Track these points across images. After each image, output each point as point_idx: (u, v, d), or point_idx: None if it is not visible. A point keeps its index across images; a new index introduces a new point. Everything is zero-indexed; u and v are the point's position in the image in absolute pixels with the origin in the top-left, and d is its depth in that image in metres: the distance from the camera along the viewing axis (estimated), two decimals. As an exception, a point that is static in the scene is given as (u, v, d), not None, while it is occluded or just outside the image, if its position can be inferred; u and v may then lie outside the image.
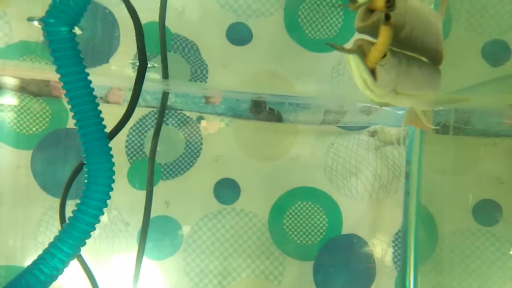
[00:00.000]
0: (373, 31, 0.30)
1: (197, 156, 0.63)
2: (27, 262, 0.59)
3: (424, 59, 0.36)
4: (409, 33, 0.33)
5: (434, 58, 0.36)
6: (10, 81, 0.59)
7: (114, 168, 0.29)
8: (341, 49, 0.31)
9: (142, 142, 0.62)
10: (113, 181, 0.28)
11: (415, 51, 0.35)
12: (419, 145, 0.58)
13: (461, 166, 0.60)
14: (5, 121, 0.59)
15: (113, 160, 0.28)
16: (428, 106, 0.40)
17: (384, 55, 0.31)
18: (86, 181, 0.28)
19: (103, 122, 0.31)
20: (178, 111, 0.63)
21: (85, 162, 0.27)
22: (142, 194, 0.59)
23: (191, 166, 0.63)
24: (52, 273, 0.26)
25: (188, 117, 0.63)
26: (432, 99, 0.36)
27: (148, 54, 0.60)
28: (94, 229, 0.27)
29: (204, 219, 0.62)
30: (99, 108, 0.30)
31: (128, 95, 0.60)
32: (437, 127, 0.53)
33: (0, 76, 0.59)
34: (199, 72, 0.62)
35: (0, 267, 0.59)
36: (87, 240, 0.29)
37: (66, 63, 0.26)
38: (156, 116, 0.62)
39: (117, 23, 0.60)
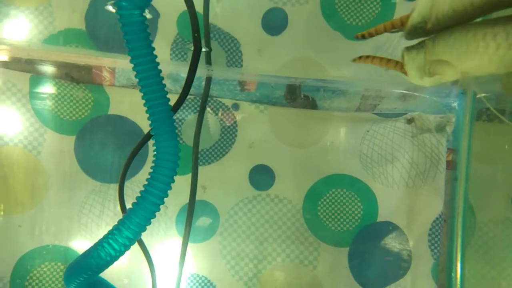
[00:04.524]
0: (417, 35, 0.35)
1: (232, 143, 0.64)
2: (72, 242, 0.62)
3: None
4: (444, 13, 0.33)
5: None
6: (55, 68, 0.62)
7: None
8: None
9: (180, 129, 0.63)
10: (179, 157, 0.29)
11: (480, 14, 0.33)
12: (468, 132, 0.57)
13: (501, 155, 0.59)
14: (50, 108, 0.61)
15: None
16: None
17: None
18: (153, 163, 0.29)
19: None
20: (214, 98, 0.64)
21: (153, 140, 0.29)
22: (180, 178, 0.60)
23: (226, 153, 0.64)
24: (121, 248, 0.28)
25: (223, 104, 0.64)
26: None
27: (186, 40, 0.61)
28: (166, 196, 0.28)
29: (239, 204, 0.63)
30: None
31: (165, 82, 0.62)
32: None
33: (45, 64, 0.61)
34: (234, 60, 0.62)
35: (48, 246, 0.62)
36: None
37: (138, 46, 0.27)
38: (193, 103, 0.63)
39: (155, 9, 0.61)
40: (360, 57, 0.38)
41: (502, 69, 0.30)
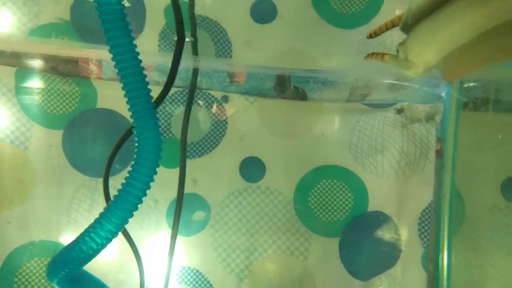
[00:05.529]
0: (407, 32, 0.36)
1: (223, 135, 0.64)
2: (61, 237, 0.61)
3: None
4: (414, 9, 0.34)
5: None
6: (41, 62, 0.61)
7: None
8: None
9: (169, 122, 0.63)
10: (161, 149, 0.29)
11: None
12: (455, 121, 0.57)
13: (490, 143, 0.59)
14: (36, 102, 0.60)
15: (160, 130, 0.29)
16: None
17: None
18: (135, 156, 0.28)
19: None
20: (203, 91, 0.63)
21: (134, 132, 0.28)
22: (170, 172, 0.60)
23: (216, 145, 0.64)
24: (103, 241, 0.27)
25: (213, 96, 0.63)
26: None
27: (173, 32, 0.60)
28: (146, 192, 0.28)
29: (230, 197, 0.63)
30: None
31: (153, 75, 0.61)
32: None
33: (31, 57, 0.60)
34: (223, 52, 0.62)
35: (37, 242, 0.61)
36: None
37: (116, 35, 0.27)
38: (182, 95, 0.63)
39: (142, 1, 0.60)
40: (368, 55, 0.40)
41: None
